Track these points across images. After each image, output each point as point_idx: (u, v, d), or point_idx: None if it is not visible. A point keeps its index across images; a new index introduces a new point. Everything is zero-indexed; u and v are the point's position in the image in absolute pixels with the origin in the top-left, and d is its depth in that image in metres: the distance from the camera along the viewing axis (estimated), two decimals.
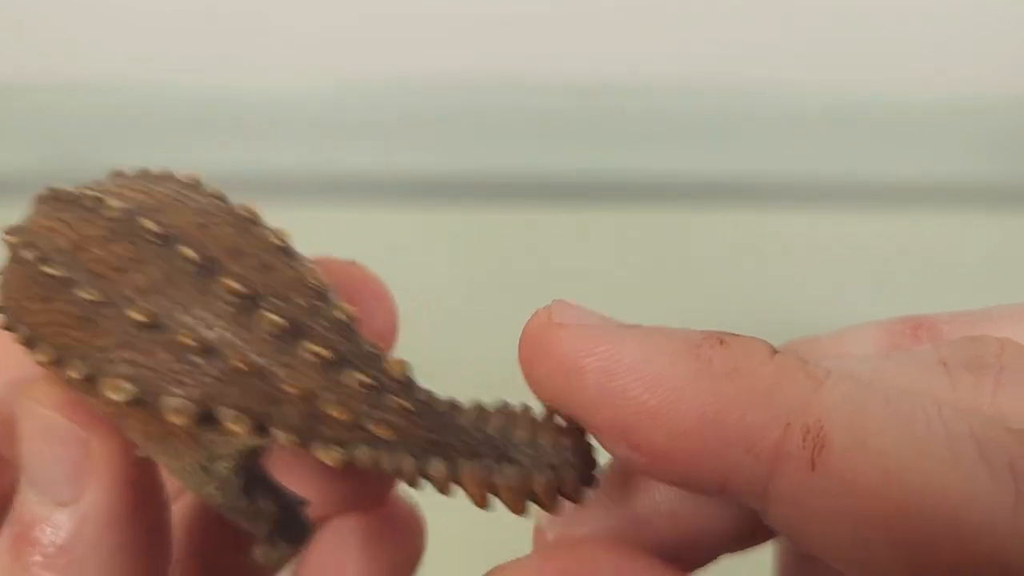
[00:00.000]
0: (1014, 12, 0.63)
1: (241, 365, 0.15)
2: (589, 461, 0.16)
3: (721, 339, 0.15)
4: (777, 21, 0.62)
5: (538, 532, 0.17)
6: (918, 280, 0.56)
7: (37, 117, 0.57)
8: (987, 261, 0.58)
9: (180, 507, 0.20)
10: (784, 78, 0.63)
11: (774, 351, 0.15)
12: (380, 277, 0.19)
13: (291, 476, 0.19)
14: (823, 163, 0.64)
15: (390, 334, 0.19)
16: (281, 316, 0.15)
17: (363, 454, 0.15)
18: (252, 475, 0.16)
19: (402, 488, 0.20)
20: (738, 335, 0.15)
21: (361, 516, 0.19)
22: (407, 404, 0.15)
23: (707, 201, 0.62)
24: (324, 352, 0.15)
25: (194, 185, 0.17)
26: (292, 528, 0.17)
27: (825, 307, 0.53)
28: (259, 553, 0.17)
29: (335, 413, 0.15)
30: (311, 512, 0.19)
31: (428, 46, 0.61)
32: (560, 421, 0.16)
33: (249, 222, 0.16)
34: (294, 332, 0.15)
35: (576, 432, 0.16)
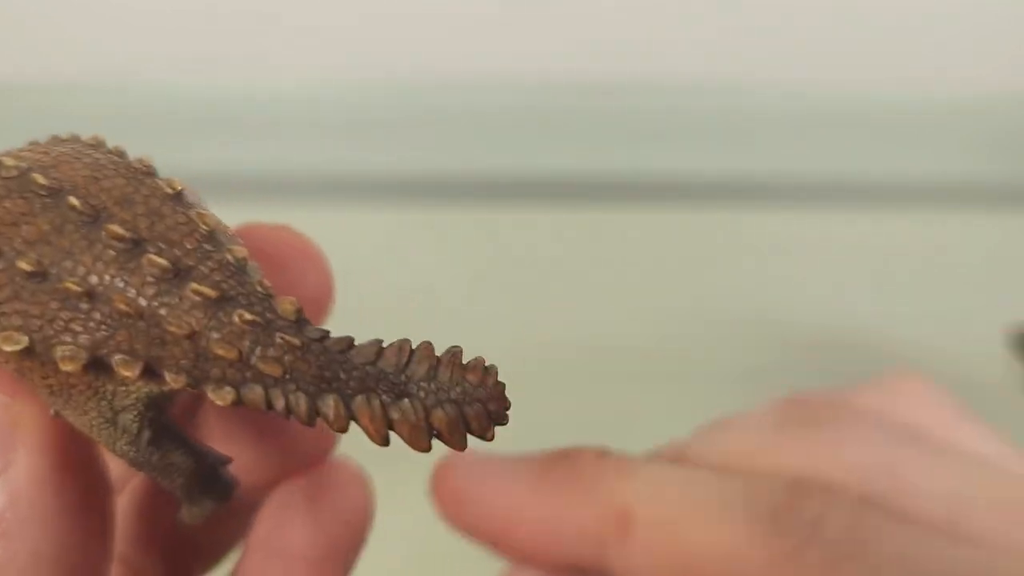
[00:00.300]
0: (1014, 12, 0.63)
1: (124, 308, 0.15)
2: (497, 397, 0.16)
3: (559, 455, 0.19)
4: (777, 21, 0.62)
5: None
6: (918, 280, 0.56)
7: (37, 117, 0.57)
8: (987, 261, 0.58)
9: (131, 490, 0.20)
10: (784, 78, 0.63)
11: (602, 455, 0.19)
12: (312, 240, 0.19)
13: (225, 440, 0.19)
14: (823, 163, 0.64)
15: (324, 296, 0.19)
16: (164, 258, 0.15)
17: (254, 393, 0.15)
18: (162, 428, 0.17)
19: (344, 450, 0.20)
20: (573, 449, 0.19)
21: (302, 481, 0.20)
22: (295, 340, 0.15)
23: (707, 201, 0.62)
24: (208, 291, 0.15)
25: (96, 145, 0.17)
26: (213, 485, 0.17)
27: (825, 307, 0.53)
28: (184, 512, 0.18)
29: (221, 352, 0.15)
30: (251, 478, 0.19)
31: (428, 46, 0.62)
32: (464, 357, 0.16)
33: (144, 174, 0.17)
34: (178, 273, 0.15)
35: (482, 368, 0.16)
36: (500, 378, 0.16)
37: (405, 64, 0.62)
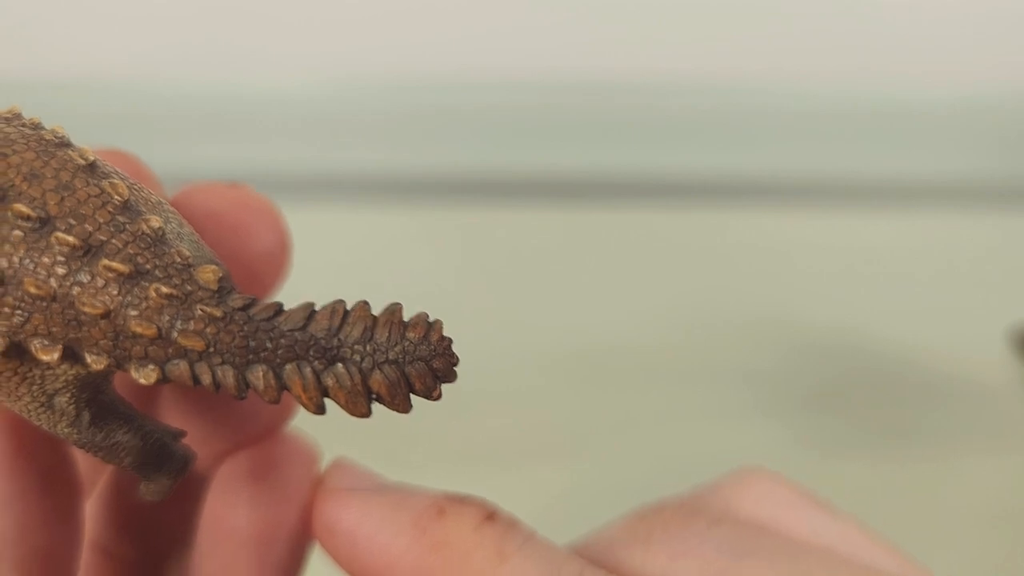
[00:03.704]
0: (1014, 12, 0.63)
1: (36, 291, 0.14)
2: (442, 353, 0.15)
3: (442, 509, 0.17)
4: (777, 21, 0.62)
5: None
6: (918, 280, 0.56)
7: (37, 116, 0.57)
8: (987, 261, 0.58)
9: (106, 475, 0.20)
10: (784, 78, 0.63)
11: (489, 517, 0.17)
12: (266, 197, 0.19)
13: (183, 411, 0.19)
14: (824, 163, 0.64)
15: (279, 254, 0.19)
16: (73, 235, 0.15)
17: (179, 369, 0.15)
18: (103, 407, 0.16)
19: (297, 424, 0.20)
20: (463, 501, 0.18)
21: (246, 457, 0.19)
22: (216, 312, 0.15)
23: (708, 201, 0.62)
24: (120, 267, 0.14)
25: (10, 118, 0.16)
26: (166, 461, 0.17)
27: (825, 307, 0.53)
28: (141, 489, 0.17)
29: (139, 329, 0.14)
30: (205, 451, 0.18)
31: (427, 46, 0.61)
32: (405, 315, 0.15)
33: (56, 145, 0.16)
34: (89, 250, 0.15)
35: (425, 324, 0.15)
36: (446, 333, 0.15)
37: (403, 63, 0.62)
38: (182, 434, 0.17)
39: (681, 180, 0.62)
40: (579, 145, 0.63)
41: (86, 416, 0.16)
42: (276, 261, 0.19)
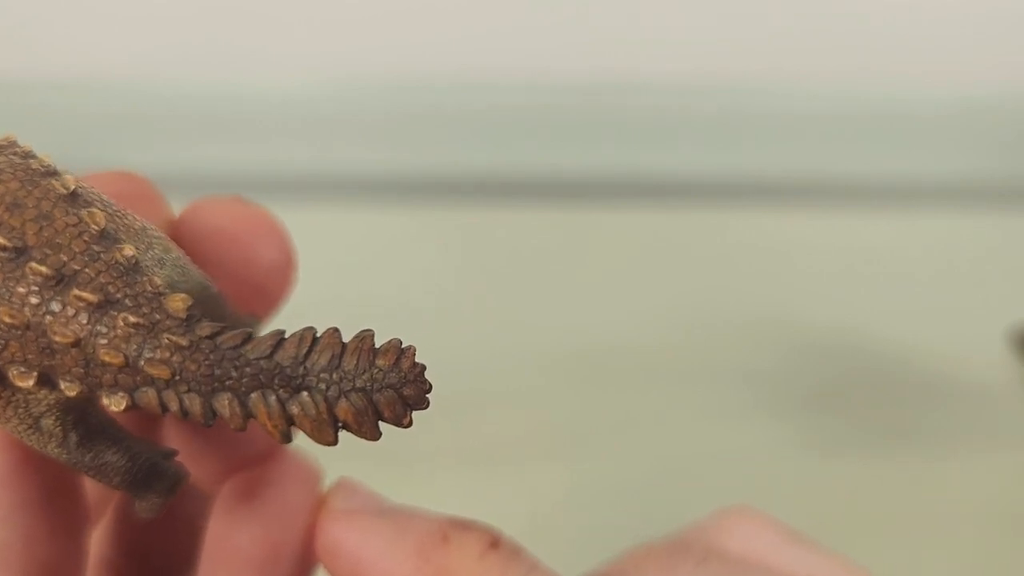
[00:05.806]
0: (1014, 12, 0.63)
1: (10, 320, 0.15)
2: (413, 380, 0.15)
3: (446, 535, 0.17)
4: (777, 22, 0.62)
5: None
6: (918, 280, 0.56)
7: (37, 116, 0.57)
8: (987, 261, 0.58)
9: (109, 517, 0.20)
10: (784, 79, 0.63)
11: (493, 545, 0.17)
12: (268, 211, 0.19)
13: (179, 433, 0.19)
14: (824, 163, 0.64)
15: (285, 268, 0.19)
16: (47, 265, 0.15)
17: (147, 397, 0.15)
18: (91, 429, 0.16)
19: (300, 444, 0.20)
20: (467, 527, 0.17)
21: (246, 478, 0.19)
22: (181, 340, 0.15)
23: (707, 201, 0.62)
24: (90, 296, 0.15)
25: (4, 146, 0.17)
26: (156, 480, 0.17)
27: (826, 307, 0.53)
28: (135, 507, 0.17)
29: (107, 358, 0.15)
30: (208, 471, 0.19)
31: (428, 45, 0.61)
32: (376, 342, 0.15)
33: (41, 175, 0.16)
34: (62, 279, 0.15)
35: (396, 351, 0.15)
36: (418, 359, 0.15)
37: (403, 63, 0.62)
38: (173, 453, 0.18)
39: (681, 180, 0.62)
40: (579, 145, 0.63)
41: (73, 437, 0.16)
42: (281, 276, 0.19)
